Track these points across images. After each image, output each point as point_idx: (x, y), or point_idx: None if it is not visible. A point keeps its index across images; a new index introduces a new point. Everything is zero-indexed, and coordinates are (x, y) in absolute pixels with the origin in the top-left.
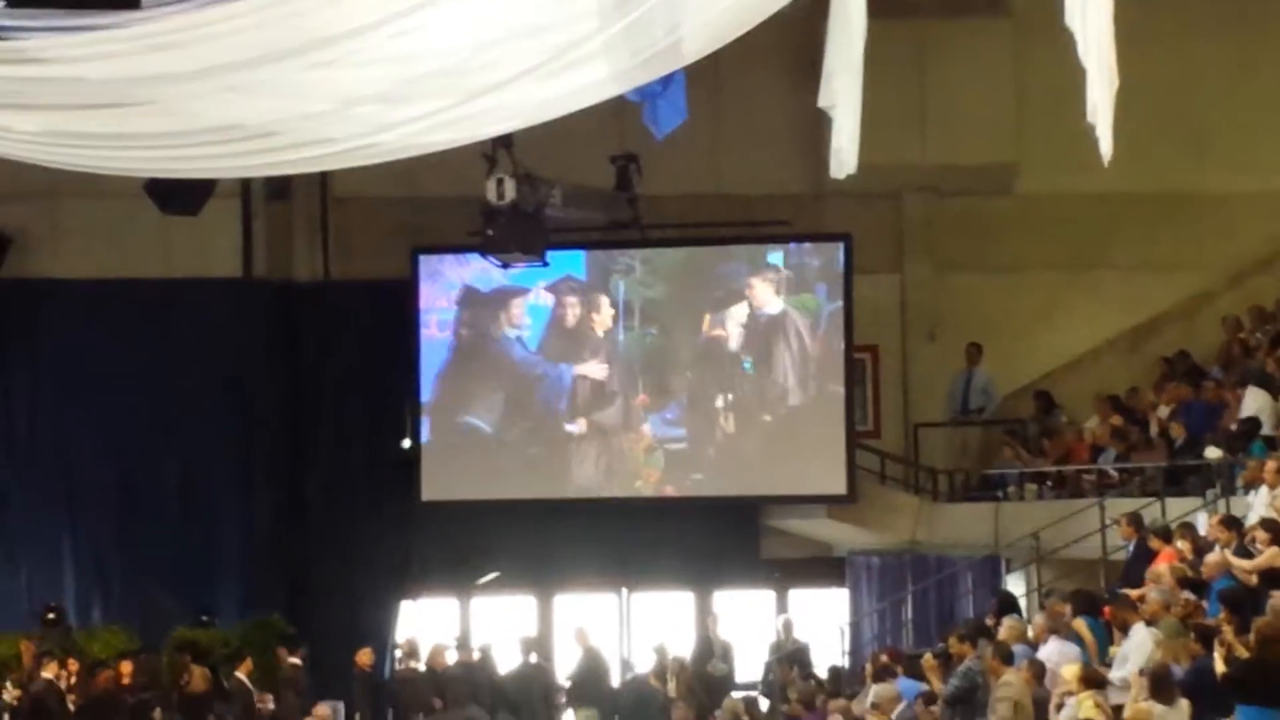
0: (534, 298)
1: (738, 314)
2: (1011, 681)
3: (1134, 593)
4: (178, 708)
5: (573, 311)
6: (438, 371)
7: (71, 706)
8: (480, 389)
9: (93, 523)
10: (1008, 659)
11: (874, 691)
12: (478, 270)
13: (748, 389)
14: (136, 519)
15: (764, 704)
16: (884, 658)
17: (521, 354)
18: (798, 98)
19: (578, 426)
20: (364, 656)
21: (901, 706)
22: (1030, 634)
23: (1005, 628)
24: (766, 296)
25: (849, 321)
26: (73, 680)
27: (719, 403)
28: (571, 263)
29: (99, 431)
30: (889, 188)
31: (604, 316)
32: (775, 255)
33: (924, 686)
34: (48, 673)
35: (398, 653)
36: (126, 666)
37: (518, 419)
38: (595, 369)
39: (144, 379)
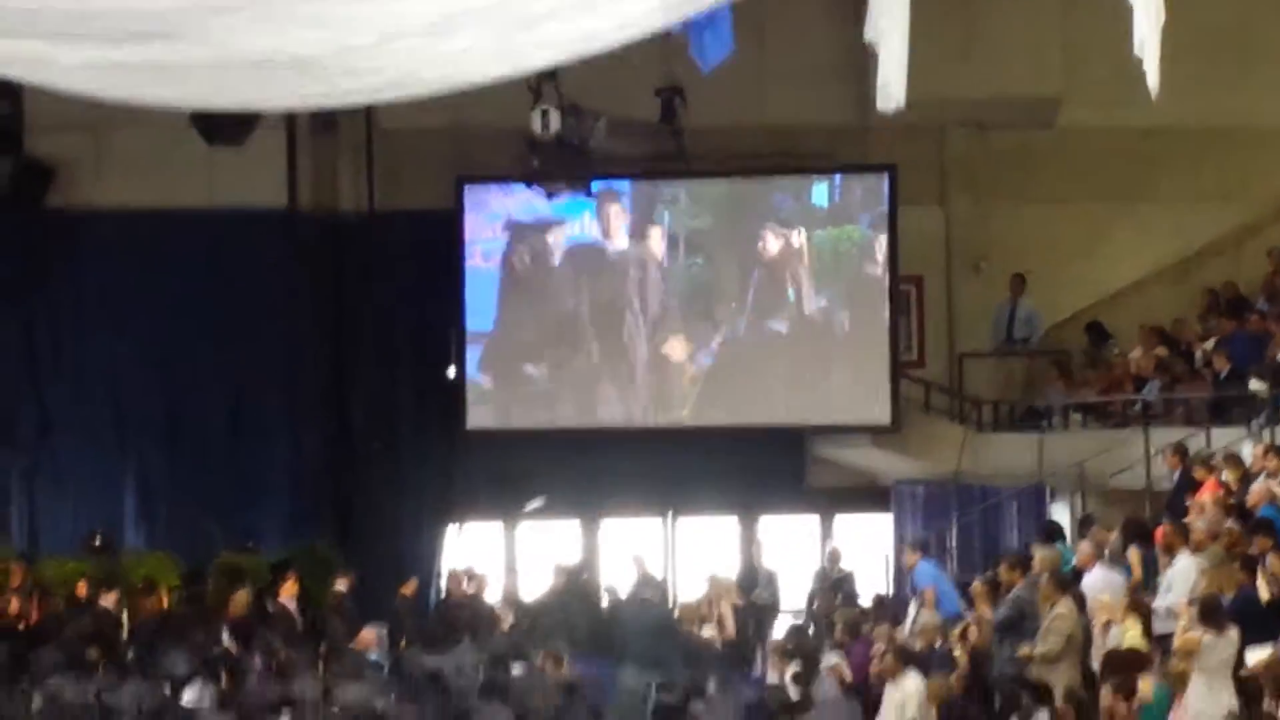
0: (578, 228)
1: (785, 245)
2: (1065, 614)
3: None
4: (225, 631)
5: (617, 223)
6: (482, 301)
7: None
8: (524, 319)
9: (139, 450)
10: (1064, 586)
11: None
12: (522, 200)
13: (794, 318)
14: (182, 446)
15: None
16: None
17: (565, 284)
18: (842, 30)
19: (623, 355)
20: (409, 586)
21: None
22: (1075, 561)
23: (1038, 559)
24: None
25: (894, 252)
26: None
27: (764, 332)
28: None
29: (144, 360)
30: (932, 121)
31: (649, 245)
32: (820, 187)
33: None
34: (106, 601)
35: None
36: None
37: (562, 348)
38: (640, 298)
39: (189, 308)
